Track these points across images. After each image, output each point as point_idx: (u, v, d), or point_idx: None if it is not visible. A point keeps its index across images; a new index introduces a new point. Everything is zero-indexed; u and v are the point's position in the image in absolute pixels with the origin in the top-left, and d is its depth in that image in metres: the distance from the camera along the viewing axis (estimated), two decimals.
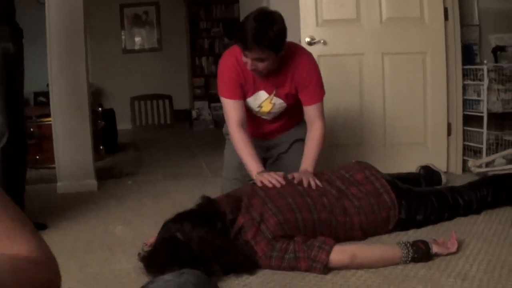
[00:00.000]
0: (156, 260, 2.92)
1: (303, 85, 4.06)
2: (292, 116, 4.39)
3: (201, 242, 2.88)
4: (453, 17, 5.48)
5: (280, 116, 4.34)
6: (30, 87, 7.03)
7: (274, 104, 4.17)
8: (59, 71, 5.47)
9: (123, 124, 11.45)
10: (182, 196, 3.70)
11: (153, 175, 6.35)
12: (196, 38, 13.01)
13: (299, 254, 2.97)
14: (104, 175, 6.17)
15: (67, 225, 4.28)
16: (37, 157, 6.96)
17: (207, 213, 3.11)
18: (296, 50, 4.14)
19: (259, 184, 3.55)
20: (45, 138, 6.20)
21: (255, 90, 4.10)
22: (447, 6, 5.44)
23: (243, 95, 4.09)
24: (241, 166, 4.06)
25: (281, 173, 3.67)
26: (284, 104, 4.19)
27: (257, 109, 4.22)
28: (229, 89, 4.06)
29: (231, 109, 4.06)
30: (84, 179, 5.60)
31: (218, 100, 4.33)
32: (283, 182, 3.52)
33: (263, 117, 4.32)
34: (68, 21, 5.45)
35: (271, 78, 4.01)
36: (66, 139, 5.55)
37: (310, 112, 4.13)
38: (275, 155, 4.53)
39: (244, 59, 3.82)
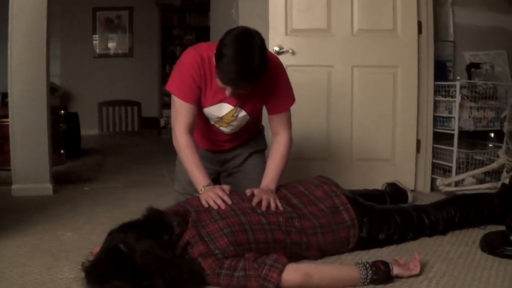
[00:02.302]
0: (96, 271, 2.73)
1: (271, 93, 3.74)
2: (251, 128, 4.11)
3: (145, 255, 2.69)
4: (427, 31, 5.38)
5: (239, 129, 4.01)
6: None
7: (236, 117, 3.83)
8: (19, 72, 5.33)
9: (90, 130, 11.36)
10: (139, 204, 3.52)
11: (113, 182, 6.20)
12: (168, 45, 12.87)
13: (249, 273, 2.79)
14: (61, 179, 6.03)
15: (14, 229, 4.11)
16: None
17: (153, 224, 2.92)
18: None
19: (203, 203, 3.27)
20: (6, 139, 6.01)
21: (218, 100, 3.71)
22: (421, 19, 5.35)
23: (198, 100, 3.70)
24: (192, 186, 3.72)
25: (227, 187, 3.42)
26: (248, 117, 3.87)
27: (216, 119, 3.86)
28: (184, 89, 3.64)
29: (181, 110, 3.66)
30: (40, 183, 5.45)
31: None
32: (229, 202, 3.27)
33: (221, 128, 3.96)
34: (31, 22, 5.30)
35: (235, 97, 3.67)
36: (23, 141, 5.40)
37: (276, 121, 3.83)
38: (229, 168, 4.27)
39: (221, 85, 3.46)
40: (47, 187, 5.47)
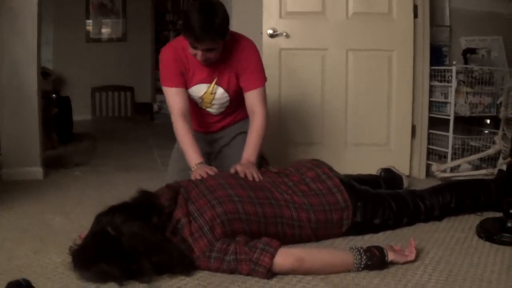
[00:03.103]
0: (83, 255, 2.68)
1: (242, 69, 4.04)
2: (237, 111, 4.36)
3: (132, 238, 2.64)
4: (423, 15, 5.32)
5: (225, 110, 4.30)
6: None
7: (215, 94, 4.13)
8: (8, 56, 5.30)
9: (83, 115, 11.38)
10: (129, 188, 3.46)
11: (104, 166, 6.16)
12: (161, 30, 12.83)
13: (241, 256, 2.73)
14: (53, 164, 6.01)
15: (1, 213, 4.08)
16: None
17: (142, 206, 2.87)
18: (236, 36, 4.11)
19: (192, 178, 3.41)
20: None
21: (197, 80, 4.07)
22: (417, 3, 5.29)
23: (184, 84, 4.05)
24: (182, 173, 3.93)
25: (215, 169, 3.58)
26: (226, 95, 4.15)
27: (199, 100, 4.18)
28: (170, 77, 4.02)
29: (173, 97, 4.02)
30: (30, 167, 5.43)
31: None
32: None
33: (208, 109, 4.27)
34: (21, 5, 5.27)
35: (212, 67, 4.00)
36: (13, 125, 5.38)
37: (251, 98, 4.07)
38: (217, 148, 4.44)
39: (193, 51, 3.79)
40: (37, 171, 5.43)
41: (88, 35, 12.55)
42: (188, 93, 4.10)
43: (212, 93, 4.12)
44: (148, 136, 8.99)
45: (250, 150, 3.89)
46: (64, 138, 7.94)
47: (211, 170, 3.50)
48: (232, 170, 3.55)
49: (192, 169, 3.69)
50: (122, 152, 6.95)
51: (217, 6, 3.68)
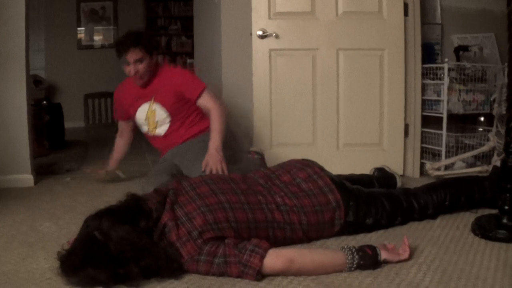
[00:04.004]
0: (71, 260, 2.64)
1: (177, 85, 4.70)
2: (182, 127, 4.84)
3: (119, 242, 2.59)
4: (414, 13, 5.30)
5: (170, 127, 4.84)
6: None
7: (155, 110, 4.78)
8: None
9: (76, 122, 11.34)
10: (120, 194, 3.44)
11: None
12: (153, 35, 12.67)
13: (230, 259, 2.68)
14: (44, 170, 5.97)
15: None
16: None
17: (129, 210, 2.83)
18: (167, 66, 4.92)
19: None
20: None
21: (138, 105, 4.86)
22: (407, 1, 5.27)
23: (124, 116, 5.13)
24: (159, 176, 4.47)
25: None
26: (164, 110, 4.76)
27: (145, 122, 4.88)
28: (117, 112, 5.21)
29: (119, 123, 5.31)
30: (20, 174, 5.39)
31: None
32: None
33: (157, 133, 4.89)
34: (9, 11, 5.24)
35: (148, 88, 4.79)
36: (2, 132, 5.32)
37: (201, 103, 4.69)
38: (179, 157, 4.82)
39: (127, 68, 4.66)
40: (28, 178, 5.39)
41: (80, 42, 12.50)
42: (136, 123, 5.03)
43: (152, 111, 4.80)
44: (140, 142, 8.93)
45: (213, 136, 4.43)
46: (56, 145, 7.89)
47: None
48: (203, 167, 4.20)
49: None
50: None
51: (142, 30, 4.65)
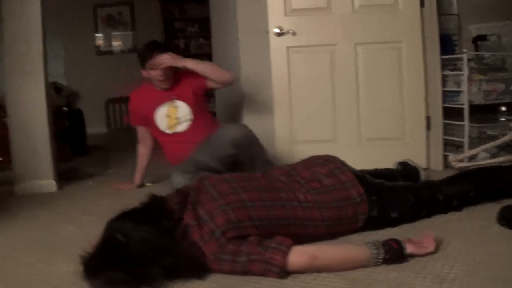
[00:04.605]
0: (92, 262, 2.65)
1: (193, 79, 4.94)
2: (202, 124, 4.97)
3: (141, 243, 2.60)
4: (430, 4, 5.25)
5: (193, 123, 4.97)
6: None
7: (178, 107, 4.96)
8: (14, 69, 5.33)
9: (98, 128, 11.39)
10: (142, 196, 3.44)
11: (118, 176, 6.11)
12: (171, 38, 12.75)
13: (253, 257, 2.67)
14: (66, 176, 6.01)
15: (10, 225, 4.15)
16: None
17: (151, 210, 2.84)
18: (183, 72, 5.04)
19: None
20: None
21: (157, 103, 4.99)
22: None
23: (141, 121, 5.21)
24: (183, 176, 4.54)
25: None
26: (186, 104, 4.96)
27: (166, 120, 4.98)
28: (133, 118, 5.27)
29: (138, 130, 5.34)
30: (43, 180, 5.45)
31: None
32: None
33: (178, 130, 4.98)
34: (26, 16, 5.30)
35: (168, 91, 4.99)
36: (23, 139, 5.39)
37: (209, 81, 4.92)
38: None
39: (153, 73, 4.84)
40: (51, 184, 5.45)
41: (99, 48, 12.56)
42: (156, 126, 5.04)
43: (174, 107, 4.96)
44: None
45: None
46: (78, 151, 7.92)
47: None
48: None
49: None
50: (136, 162, 6.92)
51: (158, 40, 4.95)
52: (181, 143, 4.92)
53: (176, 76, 4.99)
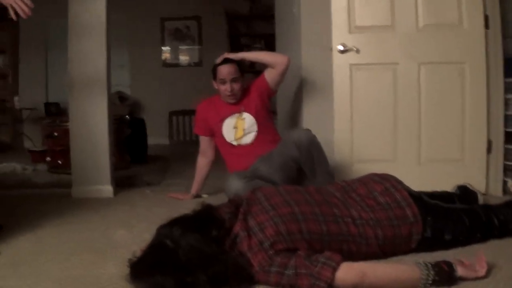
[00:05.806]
0: (140, 266, 2.69)
1: (257, 83, 5.19)
2: (266, 134, 5.12)
3: (189, 250, 2.62)
4: (494, 25, 5.18)
5: (257, 135, 5.09)
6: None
7: (245, 119, 5.09)
8: (78, 77, 5.49)
9: (160, 139, 11.50)
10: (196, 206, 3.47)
11: (175, 186, 6.16)
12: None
13: (301, 271, 2.64)
14: (124, 183, 6.13)
15: (63, 227, 4.21)
16: (59, 161, 7.01)
17: (202, 219, 2.86)
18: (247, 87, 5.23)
19: None
20: None
21: (225, 114, 5.14)
22: (488, 13, 5.17)
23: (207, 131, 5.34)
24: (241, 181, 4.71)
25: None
26: (252, 118, 5.09)
27: (232, 130, 5.12)
28: (199, 125, 5.40)
29: (201, 140, 5.44)
30: (101, 185, 5.59)
31: None
32: None
33: (244, 142, 5.10)
34: (90, 27, 5.50)
35: (237, 104, 5.13)
36: (83, 144, 5.54)
37: (268, 71, 5.13)
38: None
39: (223, 87, 5.04)
40: (107, 189, 5.57)
41: (164, 60, 12.76)
42: (222, 136, 5.15)
43: (242, 119, 5.09)
44: (222, 158, 8.96)
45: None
46: (138, 159, 8.01)
47: None
48: None
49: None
50: (194, 173, 6.96)
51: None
52: (244, 155, 5.00)
53: (243, 91, 5.13)
